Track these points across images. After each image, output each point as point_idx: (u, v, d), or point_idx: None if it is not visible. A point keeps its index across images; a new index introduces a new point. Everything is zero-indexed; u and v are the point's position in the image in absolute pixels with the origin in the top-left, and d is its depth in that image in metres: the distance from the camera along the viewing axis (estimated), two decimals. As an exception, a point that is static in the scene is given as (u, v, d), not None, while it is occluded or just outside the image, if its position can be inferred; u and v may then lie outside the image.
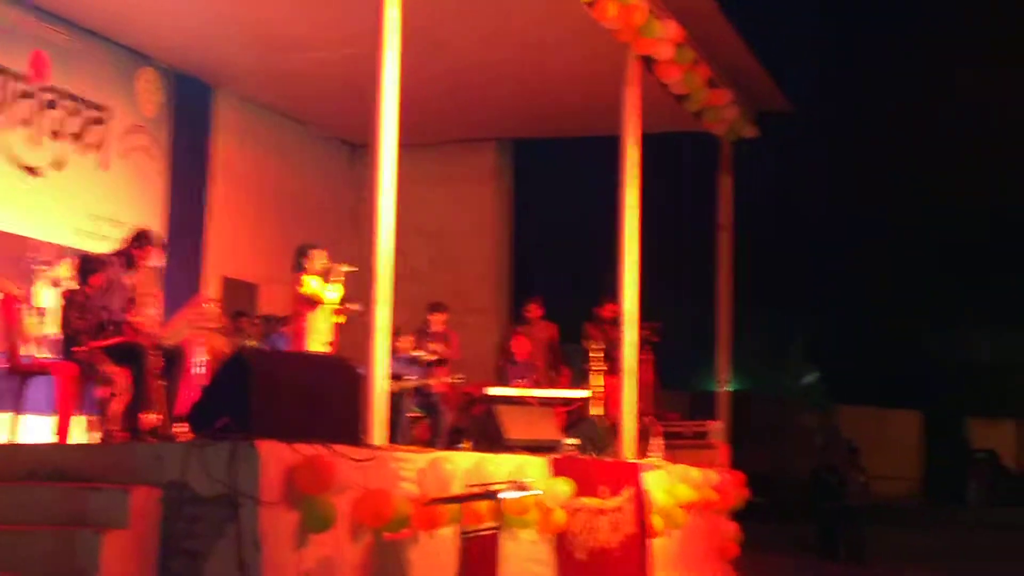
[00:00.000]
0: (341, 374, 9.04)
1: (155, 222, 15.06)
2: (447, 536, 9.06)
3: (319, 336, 11.68)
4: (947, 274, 38.92)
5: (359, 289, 11.20)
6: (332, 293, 11.84)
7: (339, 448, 8.09)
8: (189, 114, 15.94)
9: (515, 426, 11.91)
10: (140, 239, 10.12)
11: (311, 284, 11.74)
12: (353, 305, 11.93)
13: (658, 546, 13.36)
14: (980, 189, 38.45)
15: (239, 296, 16.33)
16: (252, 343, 13.22)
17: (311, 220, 17.94)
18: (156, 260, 10.33)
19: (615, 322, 14.67)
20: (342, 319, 11.99)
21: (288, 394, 8.18)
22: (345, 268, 11.96)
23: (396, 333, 13.53)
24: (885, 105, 39.55)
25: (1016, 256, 37.80)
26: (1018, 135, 37.02)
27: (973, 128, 38.55)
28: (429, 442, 13.40)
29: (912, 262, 40.19)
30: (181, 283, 14.89)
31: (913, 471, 39.38)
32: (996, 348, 37.60)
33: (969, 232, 39.21)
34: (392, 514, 8.37)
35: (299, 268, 11.90)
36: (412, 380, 13.74)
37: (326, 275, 11.92)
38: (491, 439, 11.73)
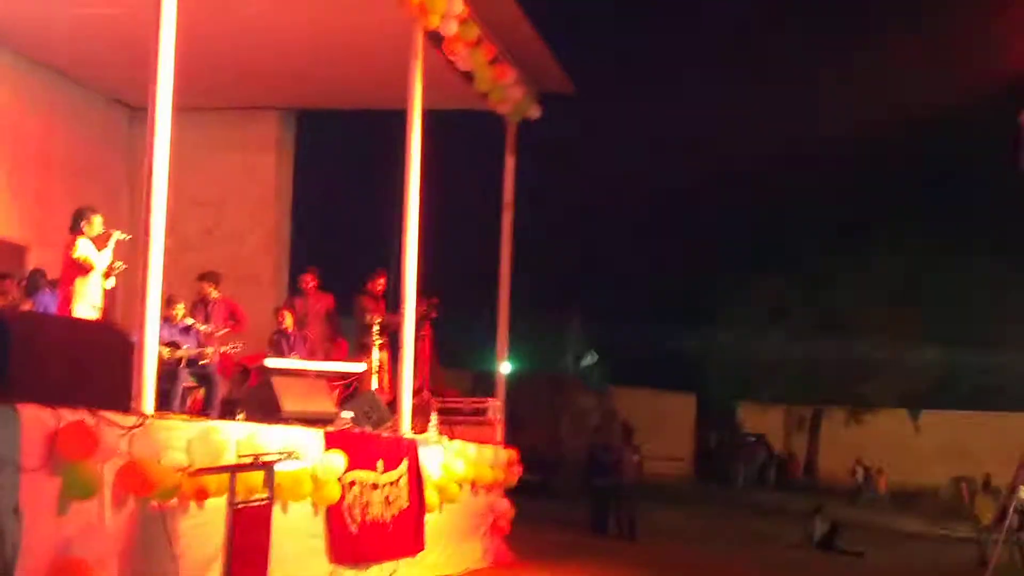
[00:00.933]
0: (110, 340, 8.78)
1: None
2: (217, 507, 8.90)
3: (88, 300, 11.32)
4: (723, 264, 39.96)
5: (132, 256, 10.93)
6: (104, 259, 11.49)
7: (105, 414, 7.87)
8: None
9: (290, 398, 11.79)
10: None
11: (82, 248, 11.38)
12: (118, 263, 11.62)
13: (432, 521, 13.41)
14: (757, 186, 39.55)
15: (5, 257, 15.72)
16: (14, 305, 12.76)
17: (87, 182, 17.40)
18: None
19: (387, 296, 14.69)
20: (111, 284, 11.65)
21: (52, 357, 7.89)
22: (119, 235, 11.62)
23: (169, 301, 13.32)
24: (665, 91, 40.30)
25: (788, 254, 39.00)
26: (795, 131, 38.20)
27: (755, 118, 39.61)
28: (203, 412, 13.15)
29: (690, 250, 41.16)
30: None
31: (686, 452, 40.43)
32: (771, 338, 38.81)
33: (746, 226, 40.35)
34: (158, 483, 8.20)
35: (76, 230, 11.51)
36: (187, 350, 13.47)
37: (101, 240, 11.56)
38: (266, 411, 11.58)
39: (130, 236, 11.57)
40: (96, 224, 11.55)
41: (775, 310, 39.42)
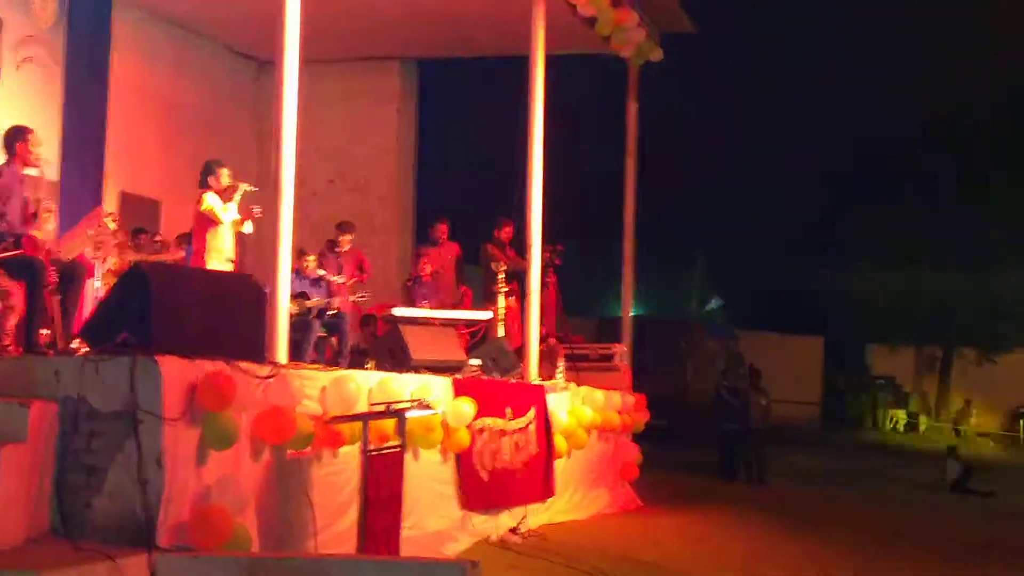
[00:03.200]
0: (245, 291, 8.94)
1: (52, 134, 14.70)
2: (350, 454, 9.05)
3: (219, 254, 11.50)
4: (847, 204, 39.24)
5: (262, 207, 11.09)
6: (230, 212, 11.65)
7: (241, 365, 8.02)
8: (86, 24, 15.45)
9: (419, 346, 11.90)
10: (18, 133, 9.70)
11: (209, 201, 11.57)
12: (256, 208, 11.69)
13: (561, 467, 13.48)
14: (884, 120, 38.73)
15: (140, 212, 16.06)
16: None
17: (216, 136, 17.70)
18: (38, 160, 9.87)
19: (512, 244, 14.73)
20: (248, 228, 11.75)
21: (189, 309, 8.08)
22: (246, 187, 11.76)
23: (300, 253, 13.51)
24: (786, 32, 39.56)
25: (918, 188, 38.23)
26: (917, 61, 37.31)
27: (879, 54, 38.74)
28: (333, 361, 13.35)
29: (811, 188, 40.47)
30: (79, 198, 14.63)
31: (814, 395, 39.99)
32: (901, 276, 38.06)
33: (871, 162, 39.54)
34: (293, 431, 8.34)
35: (204, 185, 11.70)
36: (317, 300, 13.66)
37: (228, 193, 11.72)
38: (396, 359, 11.71)
39: (257, 188, 11.74)
40: (223, 177, 11.71)
41: (906, 246, 38.49)
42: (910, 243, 38.08)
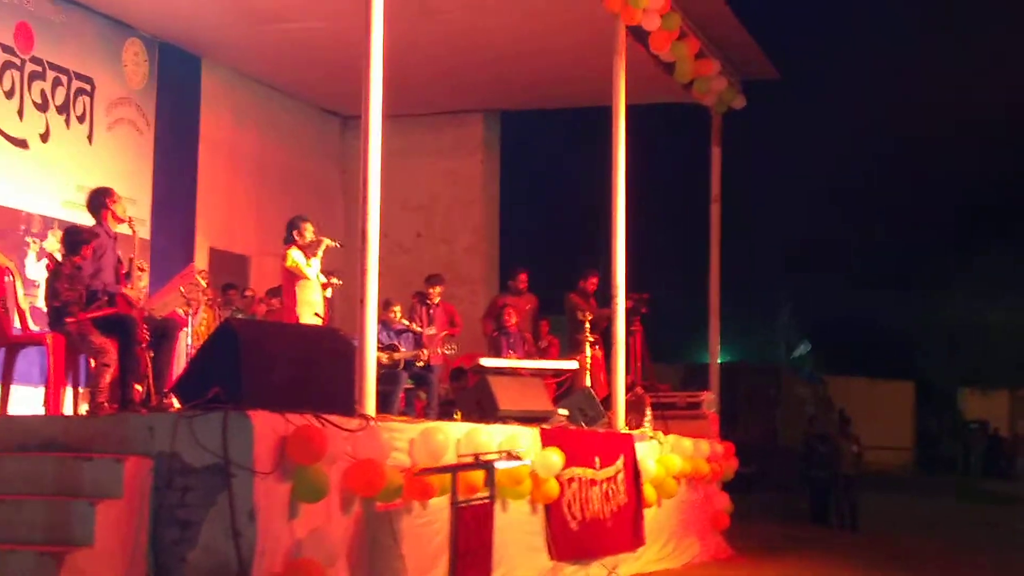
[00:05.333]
0: (332, 344, 9.02)
1: (143, 194, 15.07)
2: (440, 506, 9.07)
3: (309, 308, 11.64)
4: (938, 242, 38.85)
5: (347, 262, 11.20)
6: (314, 267, 11.78)
7: (331, 418, 8.09)
8: (176, 85, 15.84)
9: (507, 397, 11.92)
10: (104, 194, 9.98)
11: (294, 257, 11.71)
12: (335, 279, 11.92)
13: (651, 516, 13.40)
14: (971, 155, 38.33)
15: (230, 268, 16.29)
16: (240, 315, 13.19)
17: (303, 192, 17.94)
18: (125, 215, 10.11)
19: (596, 295, 14.74)
20: (328, 293, 11.94)
21: (279, 364, 8.16)
22: (328, 242, 11.90)
23: (386, 304, 13.61)
24: (871, 69, 39.37)
25: (1006, 224, 37.72)
26: (1011, 99, 36.90)
27: (965, 92, 38.41)
28: (423, 413, 13.41)
29: (901, 229, 40.10)
30: (171, 255, 14.92)
31: (906, 441, 39.46)
32: (992, 318, 37.51)
33: (959, 198, 39.12)
34: (383, 483, 8.39)
35: (289, 240, 11.85)
36: (405, 352, 13.74)
37: (312, 248, 11.86)
38: (483, 410, 11.74)
39: (341, 244, 11.87)
40: (308, 232, 11.85)
41: (996, 286, 37.89)
42: (999, 283, 37.47)
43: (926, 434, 40.11)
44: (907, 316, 38.80)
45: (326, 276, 12.10)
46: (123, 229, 10.19)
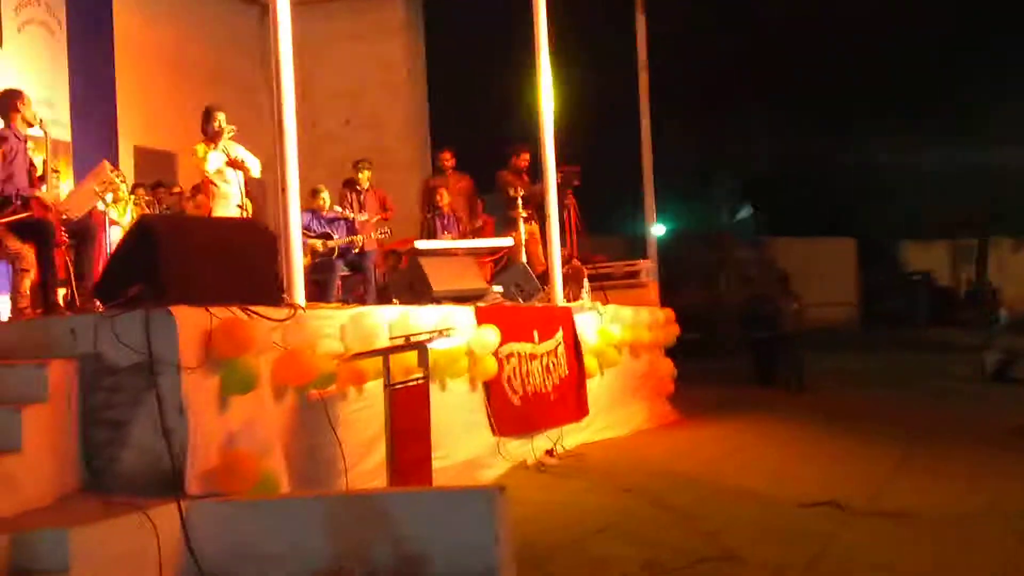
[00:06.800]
0: (253, 236, 8.89)
1: (61, 96, 14.75)
2: (375, 391, 9.05)
3: (227, 200, 11.45)
4: (870, 92, 38.54)
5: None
6: (215, 159, 11.52)
7: (257, 309, 8.02)
8: (86, -17, 15.45)
9: (440, 277, 11.90)
10: (10, 96, 9.77)
11: (197, 150, 11.50)
12: (228, 127, 11.58)
13: (594, 386, 13.49)
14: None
15: (157, 166, 16.06)
16: (168, 213, 13.03)
17: (225, 84, 17.59)
18: (35, 119, 9.88)
19: (530, 171, 14.67)
20: (256, 172, 11.70)
21: (198, 258, 8.03)
22: (230, 129, 11.61)
23: (314, 192, 13.49)
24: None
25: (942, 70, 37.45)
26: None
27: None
28: (360, 299, 13.36)
29: (833, 80, 39.72)
30: (94, 156, 14.60)
31: (851, 297, 39.84)
32: (932, 169, 37.55)
33: (888, 46, 38.74)
34: (315, 372, 8.36)
35: (202, 132, 11.65)
36: (338, 240, 13.67)
37: (217, 137, 11.59)
38: (416, 292, 11.72)
39: (234, 128, 11.60)
40: (217, 122, 11.60)
41: (928, 132, 37.59)
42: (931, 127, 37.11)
43: (870, 289, 40.48)
44: (845, 174, 38.86)
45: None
46: (35, 133, 9.98)
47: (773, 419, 15.90)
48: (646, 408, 15.14)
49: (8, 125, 9.55)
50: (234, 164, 11.54)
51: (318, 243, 13.50)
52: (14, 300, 9.04)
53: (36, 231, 9.00)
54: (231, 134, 11.58)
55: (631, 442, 13.61)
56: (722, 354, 22.72)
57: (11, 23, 14.24)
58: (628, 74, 17.71)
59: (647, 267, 16.69)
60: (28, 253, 8.98)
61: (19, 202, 9.20)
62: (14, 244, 9.02)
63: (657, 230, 18.23)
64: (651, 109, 17.50)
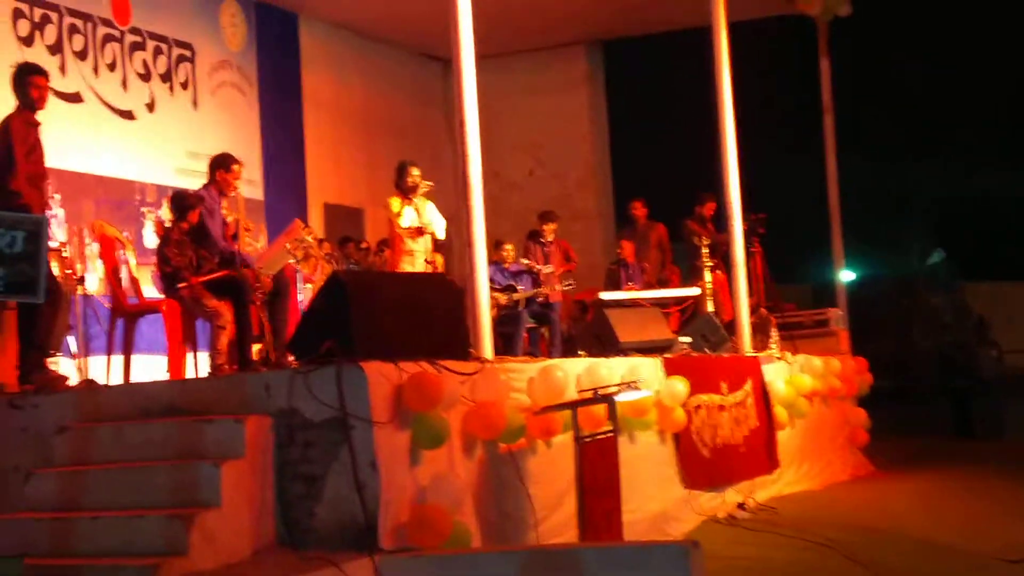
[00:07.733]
0: (439, 290, 8.95)
1: (253, 155, 15.17)
2: (564, 443, 8.99)
3: (410, 256, 11.55)
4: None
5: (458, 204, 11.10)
6: (407, 215, 11.62)
7: (445, 363, 8.04)
8: (275, 44, 15.92)
9: (627, 329, 11.82)
10: (221, 162, 10.06)
11: (391, 204, 11.62)
12: (423, 183, 11.68)
13: (785, 438, 13.22)
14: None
15: (345, 222, 16.36)
16: (356, 268, 13.22)
17: (411, 139, 17.93)
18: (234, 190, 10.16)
19: (715, 219, 14.53)
20: (441, 233, 11.81)
21: (390, 313, 8.12)
22: (425, 185, 11.73)
23: (497, 244, 13.55)
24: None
25: None
26: None
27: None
28: (547, 352, 13.35)
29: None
30: (285, 214, 14.97)
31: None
32: None
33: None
34: (504, 425, 8.33)
35: (396, 187, 11.79)
36: (523, 291, 13.69)
37: (413, 192, 11.71)
38: (603, 344, 11.65)
39: (432, 184, 11.71)
40: (411, 177, 11.71)
41: None
42: None
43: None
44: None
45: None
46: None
47: (973, 470, 15.34)
48: (839, 460, 14.78)
49: (207, 186, 9.81)
50: (420, 232, 11.65)
51: (502, 296, 13.55)
52: (212, 357, 9.25)
53: (232, 289, 9.22)
54: (426, 189, 11.72)
55: (825, 495, 13.29)
56: (917, 403, 22.04)
57: (205, 86, 14.72)
58: (813, 117, 17.46)
59: (836, 315, 16.33)
60: (225, 311, 9.19)
61: (215, 260, 9.42)
62: (211, 302, 9.25)
63: (846, 276, 17.85)
64: (836, 152, 17.22)
